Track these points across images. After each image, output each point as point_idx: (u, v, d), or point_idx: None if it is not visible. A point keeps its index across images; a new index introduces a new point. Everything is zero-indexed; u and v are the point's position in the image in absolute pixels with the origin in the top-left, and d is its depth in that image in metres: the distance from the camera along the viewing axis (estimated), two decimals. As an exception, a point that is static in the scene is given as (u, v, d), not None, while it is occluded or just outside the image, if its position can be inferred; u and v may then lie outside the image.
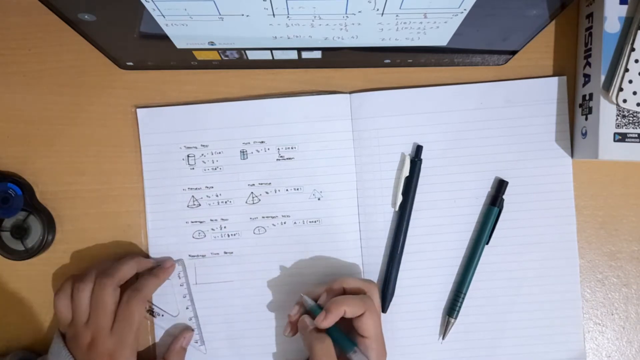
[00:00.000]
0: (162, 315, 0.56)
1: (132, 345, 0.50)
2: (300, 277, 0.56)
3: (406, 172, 0.55)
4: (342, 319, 0.48)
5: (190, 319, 0.56)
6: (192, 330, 0.55)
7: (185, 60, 0.52)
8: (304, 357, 0.56)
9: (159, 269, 0.54)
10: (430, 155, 0.56)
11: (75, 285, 0.50)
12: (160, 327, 0.56)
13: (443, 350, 0.56)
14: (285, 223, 0.56)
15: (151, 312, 0.55)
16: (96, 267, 0.52)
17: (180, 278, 0.56)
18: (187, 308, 0.56)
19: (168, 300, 0.56)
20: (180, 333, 0.55)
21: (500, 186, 0.55)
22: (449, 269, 0.56)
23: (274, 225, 0.56)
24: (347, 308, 0.47)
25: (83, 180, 0.56)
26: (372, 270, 0.56)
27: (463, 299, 0.55)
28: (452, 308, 0.55)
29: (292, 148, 0.56)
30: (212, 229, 0.56)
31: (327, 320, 0.47)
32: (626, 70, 0.49)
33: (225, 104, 0.56)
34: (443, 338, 0.56)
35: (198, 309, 0.56)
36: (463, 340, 0.56)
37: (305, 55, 0.51)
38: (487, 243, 0.55)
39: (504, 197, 0.55)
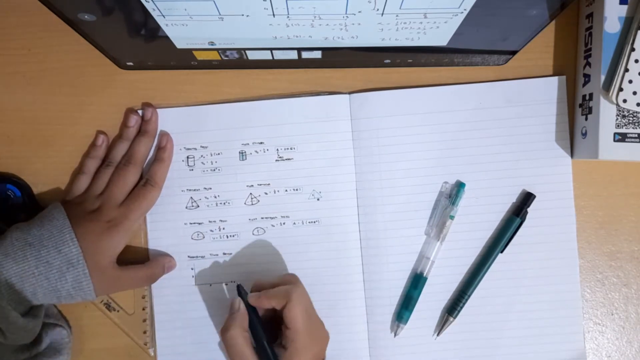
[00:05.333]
0: (118, 311, 0.56)
1: (133, 222, 0.52)
2: (300, 277, 0.56)
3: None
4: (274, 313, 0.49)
5: (145, 320, 0.56)
6: (174, 264, 0.56)
7: (185, 60, 0.52)
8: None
9: (160, 151, 0.55)
10: (429, 155, 0.56)
11: (102, 164, 0.54)
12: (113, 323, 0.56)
13: (443, 350, 0.56)
14: (284, 224, 0.56)
15: (107, 306, 0.56)
16: (115, 150, 0.54)
17: None
18: (143, 309, 0.56)
19: (127, 297, 0.56)
20: (167, 257, 0.56)
21: (526, 199, 0.55)
22: (452, 268, 0.56)
23: (273, 226, 0.56)
24: (271, 300, 0.48)
25: (82, 181, 0.56)
26: (372, 271, 0.56)
27: (467, 300, 0.55)
28: (454, 307, 0.55)
29: (291, 149, 0.56)
30: (211, 230, 0.56)
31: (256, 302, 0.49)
32: (626, 70, 0.49)
33: (224, 105, 0.56)
34: (438, 335, 0.56)
35: (197, 310, 0.56)
36: (463, 340, 0.56)
37: (305, 55, 0.51)
38: (502, 251, 0.55)
39: (527, 209, 0.55)
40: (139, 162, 0.54)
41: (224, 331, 0.48)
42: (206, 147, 0.56)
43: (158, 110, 0.56)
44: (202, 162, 0.56)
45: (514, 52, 0.53)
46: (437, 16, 0.43)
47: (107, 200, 0.52)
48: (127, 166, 0.53)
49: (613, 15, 0.50)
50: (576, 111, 0.55)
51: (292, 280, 0.51)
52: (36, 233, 0.48)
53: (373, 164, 0.56)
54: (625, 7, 0.50)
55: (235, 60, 0.53)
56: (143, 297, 0.56)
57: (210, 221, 0.56)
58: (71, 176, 0.56)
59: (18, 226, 0.49)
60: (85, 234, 0.49)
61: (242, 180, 0.56)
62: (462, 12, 0.42)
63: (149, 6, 0.40)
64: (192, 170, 0.56)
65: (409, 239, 0.56)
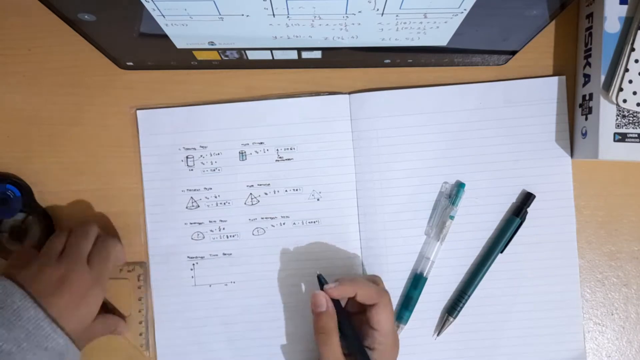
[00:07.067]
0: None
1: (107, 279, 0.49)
2: (299, 278, 0.56)
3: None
4: (357, 315, 0.49)
5: (140, 322, 0.56)
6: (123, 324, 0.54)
7: (185, 60, 0.52)
8: (304, 357, 0.56)
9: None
10: (429, 155, 0.56)
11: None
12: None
13: (442, 350, 0.56)
14: (284, 224, 0.56)
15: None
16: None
17: (139, 281, 0.56)
18: (139, 311, 0.56)
19: (123, 300, 0.56)
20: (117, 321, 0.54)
21: (526, 199, 0.55)
22: (452, 268, 0.56)
23: (273, 226, 0.56)
24: (359, 290, 0.47)
25: (82, 181, 0.56)
26: (372, 271, 0.56)
27: (466, 300, 0.55)
28: (454, 308, 0.55)
29: (291, 149, 0.56)
30: (211, 230, 0.56)
31: (337, 290, 0.47)
32: (626, 70, 0.49)
33: (224, 105, 0.56)
34: (438, 335, 0.56)
35: (197, 311, 0.56)
36: (463, 340, 0.56)
37: (305, 55, 0.51)
38: (502, 252, 0.55)
39: (527, 209, 0.55)
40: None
41: (323, 334, 0.46)
42: (206, 147, 0.56)
43: (158, 110, 0.56)
44: (202, 162, 0.56)
45: (514, 52, 0.53)
46: (437, 16, 0.43)
47: (72, 264, 0.46)
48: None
49: (613, 15, 0.50)
50: (576, 111, 0.55)
51: (380, 282, 0.50)
52: (8, 336, 0.40)
53: (373, 164, 0.56)
54: (625, 7, 0.50)
55: (235, 60, 0.53)
56: (139, 300, 0.56)
57: (210, 221, 0.56)
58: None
59: None
60: (63, 310, 0.43)
61: (242, 180, 0.56)
62: (462, 12, 0.42)
63: (149, 6, 0.40)
64: (192, 170, 0.56)
65: (409, 239, 0.56)
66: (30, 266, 0.46)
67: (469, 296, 0.55)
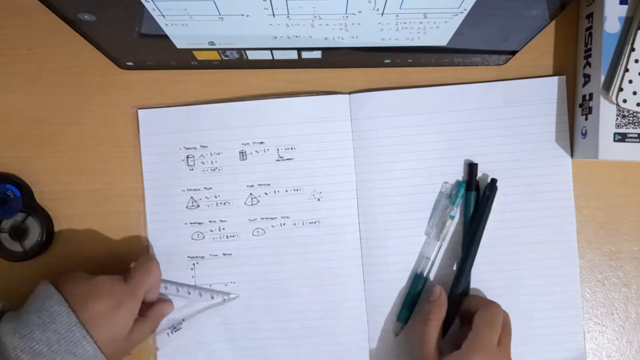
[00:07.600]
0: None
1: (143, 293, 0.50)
2: (299, 278, 0.56)
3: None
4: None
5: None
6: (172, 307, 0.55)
7: (185, 60, 0.52)
8: (304, 357, 0.56)
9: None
10: (429, 155, 0.56)
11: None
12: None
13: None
14: (284, 224, 0.56)
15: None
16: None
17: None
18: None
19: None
20: (162, 303, 0.54)
21: (471, 169, 0.55)
22: (452, 268, 0.56)
23: (273, 226, 0.56)
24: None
25: (82, 181, 0.56)
26: (372, 271, 0.56)
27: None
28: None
29: (291, 149, 0.56)
30: (211, 230, 0.56)
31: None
32: (626, 70, 0.49)
33: (224, 105, 0.56)
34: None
35: (197, 310, 0.56)
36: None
37: (305, 55, 0.51)
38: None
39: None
40: None
41: (424, 320, 0.51)
42: (206, 147, 0.56)
43: (159, 109, 0.56)
44: (202, 162, 0.56)
45: (514, 52, 0.53)
46: (437, 16, 0.43)
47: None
48: None
49: (613, 15, 0.50)
50: (576, 111, 0.55)
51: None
52: (41, 337, 0.42)
53: (373, 164, 0.56)
54: (625, 7, 0.50)
55: (235, 60, 0.53)
56: None
57: (210, 221, 0.56)
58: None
59: (15, 329, 0.43)
60: (95, 318, 0.45)
61: (242, 180, 0.56)
62: (462, 12, 0.42)
63: (149, 6, 0.40)
64: (192, 170, 0.56)
65: (409, 239, 0.56)
66: (72, 276, 0.48)
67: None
